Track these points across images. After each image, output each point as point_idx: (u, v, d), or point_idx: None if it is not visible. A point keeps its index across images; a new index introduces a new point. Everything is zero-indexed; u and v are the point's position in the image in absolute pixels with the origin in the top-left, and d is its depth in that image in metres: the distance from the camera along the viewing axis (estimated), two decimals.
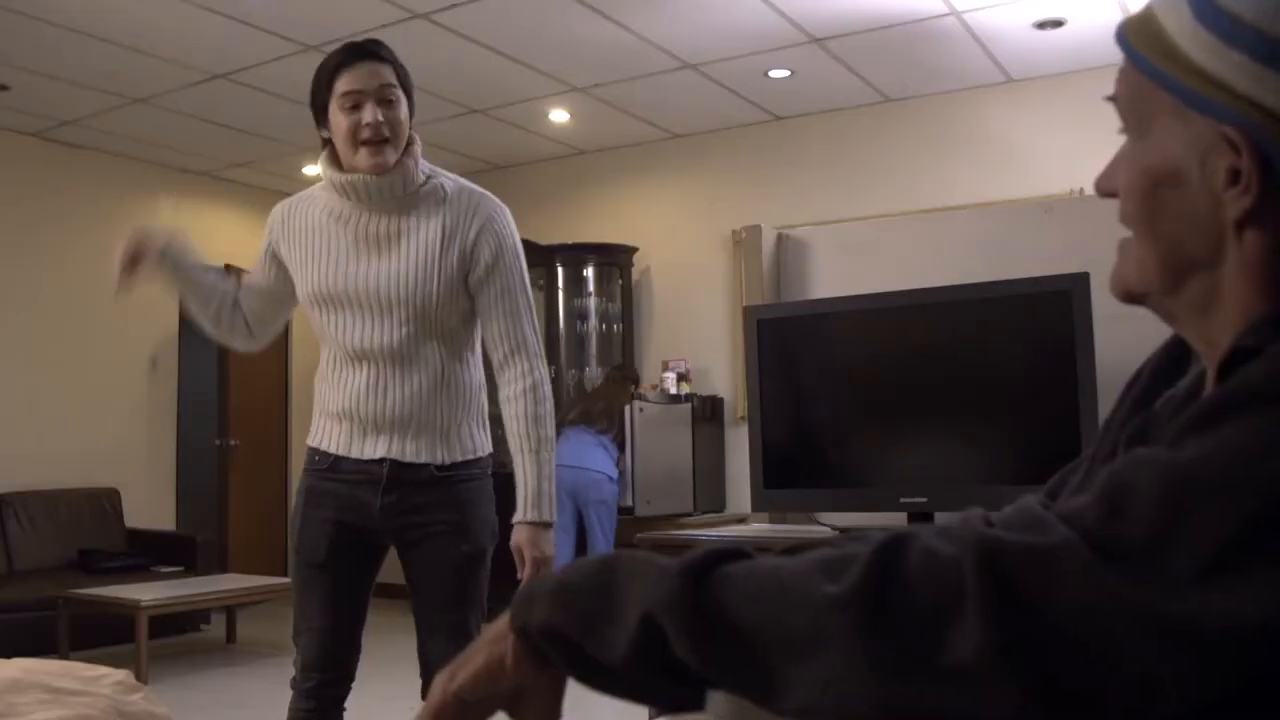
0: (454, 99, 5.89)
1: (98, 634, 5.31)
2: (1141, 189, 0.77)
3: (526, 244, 6.85)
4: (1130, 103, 0.78)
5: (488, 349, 2.34)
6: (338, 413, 2.28)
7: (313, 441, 2.34)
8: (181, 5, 4.61)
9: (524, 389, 2.28)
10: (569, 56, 5.39)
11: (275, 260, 2.36)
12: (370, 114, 2.15)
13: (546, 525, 2.25)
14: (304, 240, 2.30)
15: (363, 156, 2.17)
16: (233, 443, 7.23)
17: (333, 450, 2.28)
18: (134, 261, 2.28)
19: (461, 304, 2.29)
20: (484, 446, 2.35)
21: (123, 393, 6.79)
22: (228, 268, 4.08)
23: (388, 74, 2.21)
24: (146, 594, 5.04)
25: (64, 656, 4.85)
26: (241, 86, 5.63)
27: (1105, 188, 0.82)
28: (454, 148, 6.81)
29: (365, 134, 2.16)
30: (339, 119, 2.18)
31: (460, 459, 2.29)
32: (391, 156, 2.19)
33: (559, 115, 6.35)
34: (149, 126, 6.28)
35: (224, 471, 7.25)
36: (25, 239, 6.36)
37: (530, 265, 8.01)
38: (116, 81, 5.55)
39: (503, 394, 2.31)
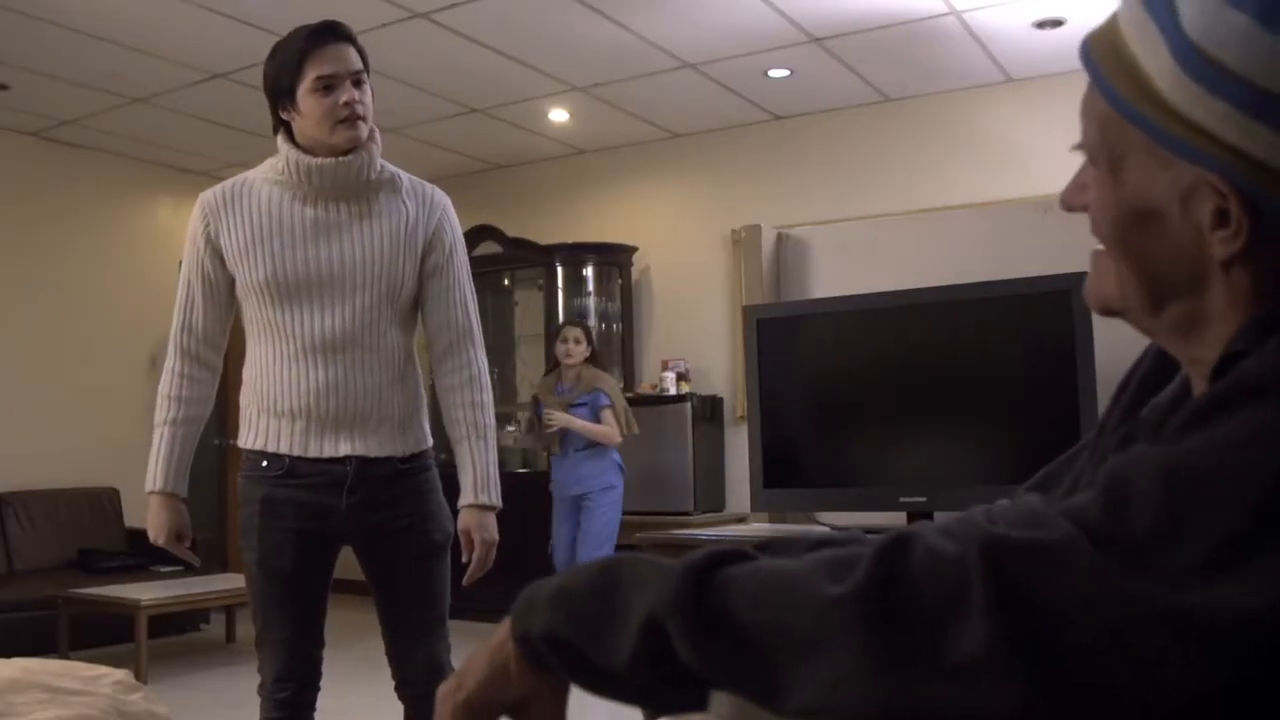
0: (454, 99, 5.89)
1: (97, 634, 5.31)
2: (1118, 222, 0.76)
3: (526, 243, 6.86)
4: (1101, 134, 0.76)
5: (431, 337, 2.33)
6: (289, 411, 2.21)
7: (255, 444, 2.25)
8: (181, 5, 4.61)
9: (468, 378, 2.31)
10: (569, 56, 5.39)
11: (215, 256, 2.25)
12: (347, 94, 2.17)
13: (493, 509, 2.29)
14: (251, 226, 2.21)
15: (339, 132, 2.17)
16: (233, 443, 7.21)
17: (286, 451, 2.21)
18: (181, 539, 2.29)
19: (414, 292, 2.31)
20: (430, 438, 2.37)
21: (123, 392, 6.79)
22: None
23: (356, 59, 2.21)
24: (146, 594, 5.04)
25: (64, 656, 4.86)
26: (241, 86, 5.62)
27: (1073, 203, 0.81)
28: (454, 148, 6.81)
29: (343, 113, 2.16)
30: (312, 102, 2.16)
31: (417, 450, 2.31)
32: (364, 132, 2.21)
33: (559, 115, 6.35)
34: (149, 126, 6.28)
35: (224, 471, 7.24)
36: (25, 239, 6.37)
37: (530, 265, 7.88)
38: (116, 81, 5.55)
39: (444, 383, 2.32)
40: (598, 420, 5.23)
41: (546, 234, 6.80)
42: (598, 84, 5.80)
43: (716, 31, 5.08)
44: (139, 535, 6.27)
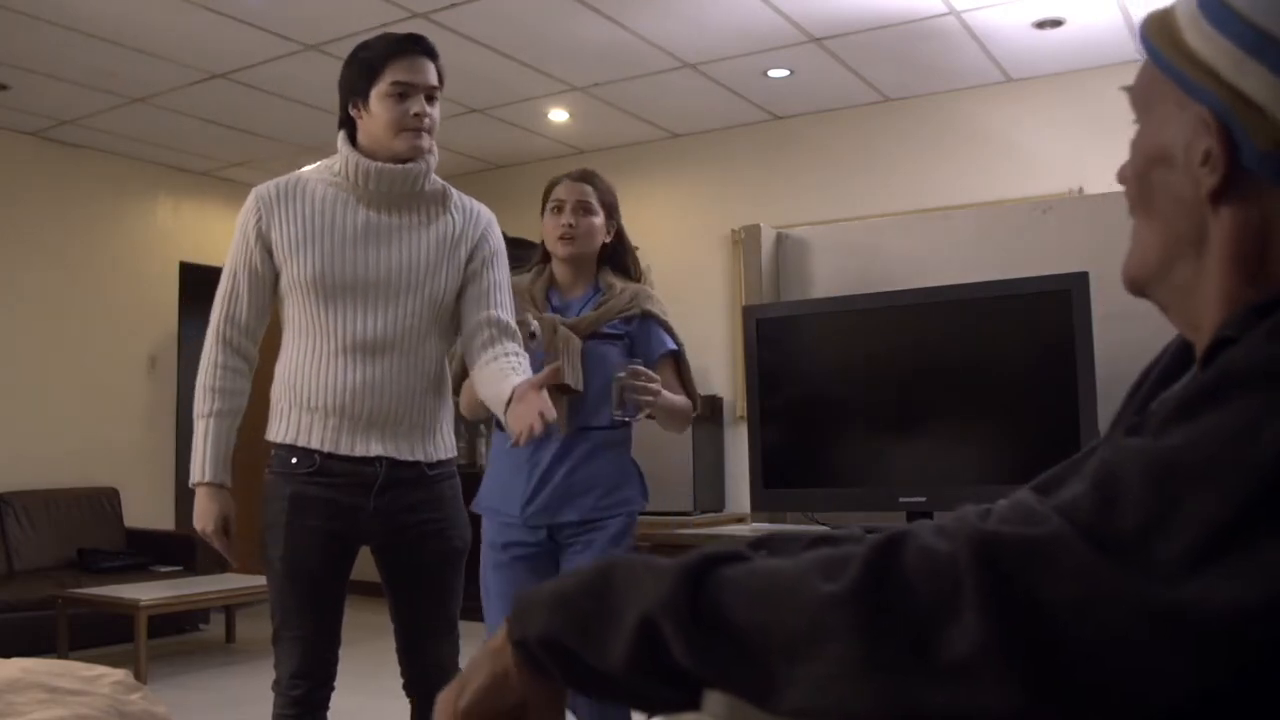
0: (454, 99, 5.89)
1: (97, 633, 5.31)
2: (1138, 170, 0.81)
3: (525, 243, 6.89)
4: (1141, 89, 0.82)
5: (470, 333, 2.34)
6: (323, 407, 2.22)
7: (285, 438, 2.25)
8: (181, 5, 4.61)
9: (516, 352, 2.32)
10: (569, 56, 5.39)
11: (264, 250, 2.26)
12: (418, 105, 2.23)
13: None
14: (303, 223, 2.24)
15: (404, 140, 2.23)
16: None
17: (317, 447, 2.22)
18: (227, 533, 2.26)
19: (455, 303, 2.34)
20: (455, 447, 2.40)
21: (122, 392, 6.79)
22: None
23: (434, 75, 2.27)
24: (145, 593, 5.04)
25: (63, 656, 4.86)
26: (241, 86, 5.63)
27: (1119, 176, 0.85)
28: (454, 148, 6.80)
29: (412, 123, 2.22)
30: (383, 106, 2.22)
31: (445, 457, 2.34)
32: (427, 145, 2.27)
33: (559, 115, 6.35)
34: (149, 126, 6.28)
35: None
36: (25, 238, 6.36)
37: (530, 264, 7.79)
38: (116, 81, 5.55)
39: (487, 356, 2.29)
40: None
41: None
42: (598, 84, 5.81)
43: (716, 31, 5.08)
44: (138, 535, 6.35)
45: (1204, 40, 0.75)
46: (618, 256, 2.86)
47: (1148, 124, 0.81)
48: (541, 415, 2.02)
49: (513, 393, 2.14)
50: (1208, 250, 0.76)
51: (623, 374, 2.50)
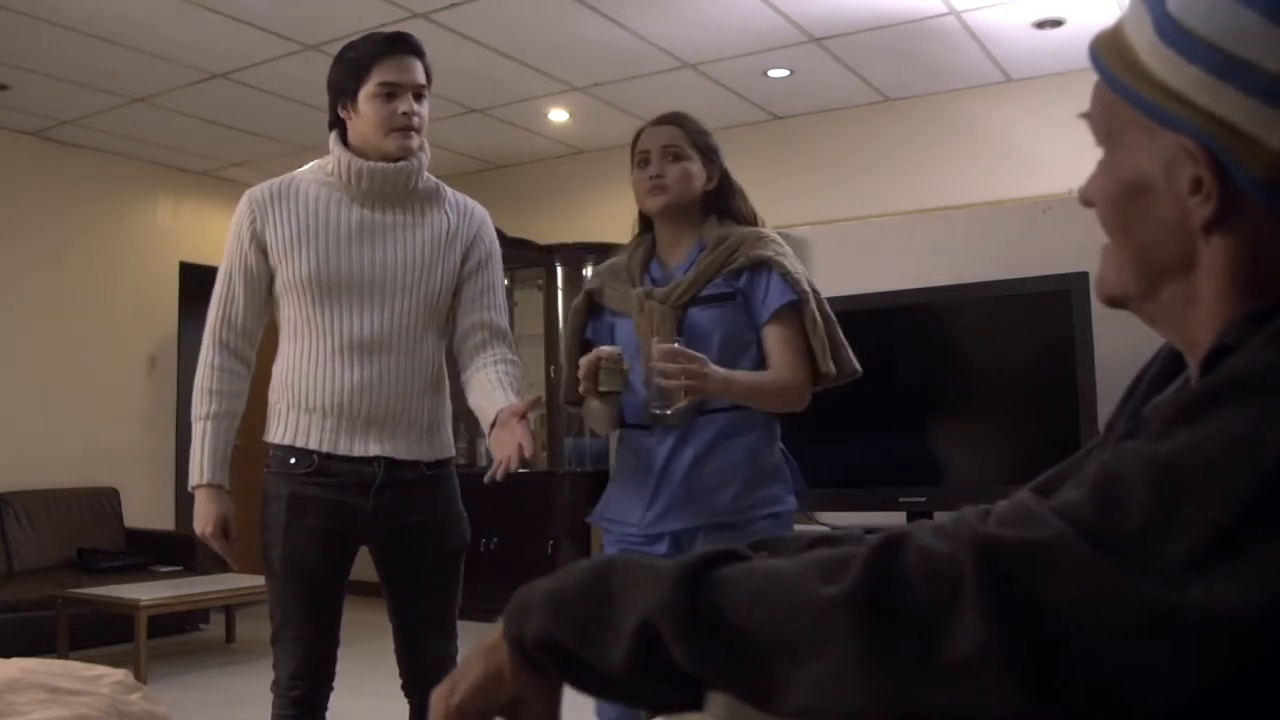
0: (454, 99, 5.89)
1: (97, 633, 5.31)
2: (1113, 198, 0.80)
3: (526, 243, 6.82)
4: (1100, 116, 0.81)
5: (464, 335, 2.34)
6: (320, 407, 2.22)
7: (284, 439, 2.25)
8: (181, 5, 4.61)
9: (508, 358, 2.32)
10: (569, 56, 5.39)
11: (259, 251, 2.27)
12: (406, 105, 2.23)
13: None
14: (297, 223, 2.24)
15: (393, 140, 2.23)
16: (237, 443, 7.21)
17: (315, 447, 2.22)
18: (227, 535, 2.24)
19: (451, 301, 2.34)
20: (453, 447, 2.40)
21: (122, 392, 6.79)
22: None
23: (421, 73, 2.28)
24: (146, 593, 5.03)
25: (63, 656, 4.85)
26: (241, 86, 5.62)
27: (1084, 197, 0.85)
28: (454, 148, 6.80)
29: (400, 122, 2.22)
30: (372, 106, 2.22)
31: (444, 456, 2.34)
32: (416, 144, 2.27)
33: (558, 115, 6.36)
34: (149, 126, 6.28)
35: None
36: (24, 238, 6.36)
37: (529, 265, 7.77)
38: (116, 81, 5.55)
39: (479, 361, 2.31)
40: (753, 347, 2.21)
41: (546, 234, 6.80)
42: (598, 84, 5.81)
43: (716, 31, 5.08)
44: (138, 535, 6.35)
45: (1169, 68, 0.74)
46: (726, 204, 2.37)
47: (1117, 151, 0.79)
48: (520, 448, 2.03)
49: (496, 416, 2.15)
50: (1198, 272, 0.76)
51: (655, 355, 2.02)
